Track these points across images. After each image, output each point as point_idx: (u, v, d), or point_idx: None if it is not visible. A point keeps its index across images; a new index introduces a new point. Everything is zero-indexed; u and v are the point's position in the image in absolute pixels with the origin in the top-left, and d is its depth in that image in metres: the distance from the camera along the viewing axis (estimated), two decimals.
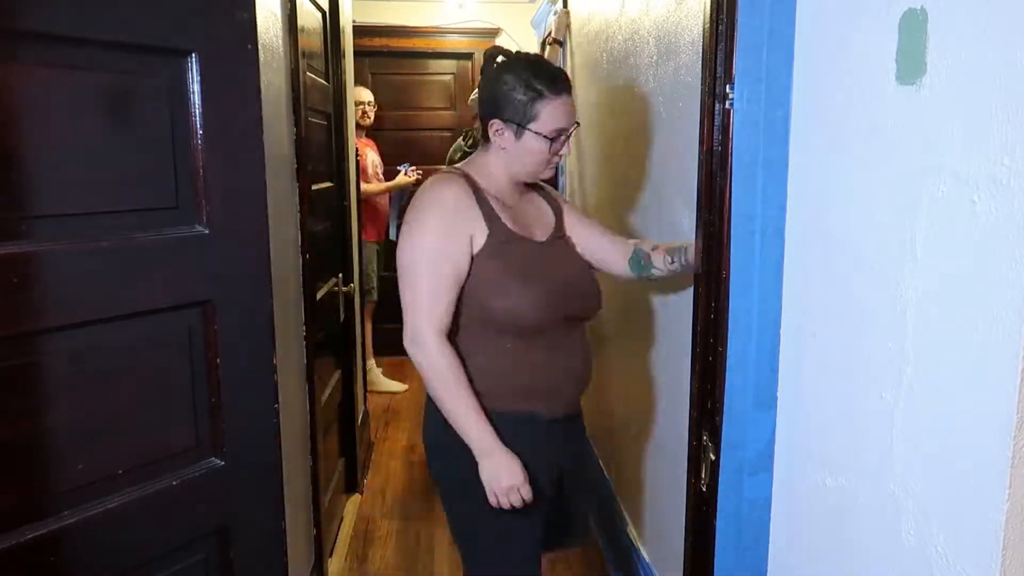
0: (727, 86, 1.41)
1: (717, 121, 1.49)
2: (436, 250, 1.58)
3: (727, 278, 1.49)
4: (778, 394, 1.44)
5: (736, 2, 1.35)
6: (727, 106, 1.42)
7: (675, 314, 2.03)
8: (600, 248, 1.82)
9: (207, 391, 1.33)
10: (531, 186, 1.81)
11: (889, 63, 1.04)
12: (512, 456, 1.62)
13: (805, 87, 1.31)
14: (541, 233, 1.74)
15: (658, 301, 2.27)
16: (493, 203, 1.66)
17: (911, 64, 0.99)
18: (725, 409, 1.53)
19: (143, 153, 1.21)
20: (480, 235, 1.62)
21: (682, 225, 1.95)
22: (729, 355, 1.51)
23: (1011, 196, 0.83)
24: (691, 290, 1.77)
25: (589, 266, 1.82)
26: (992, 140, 0.86)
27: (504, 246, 1.63)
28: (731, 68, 1.40)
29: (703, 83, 1.56)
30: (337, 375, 3.20)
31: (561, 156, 1.69)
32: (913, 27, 0.99)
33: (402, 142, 5.27)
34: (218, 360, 1.33)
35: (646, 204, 2.41)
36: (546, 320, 1.65)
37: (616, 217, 2.83)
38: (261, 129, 1.34)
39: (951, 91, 0.93)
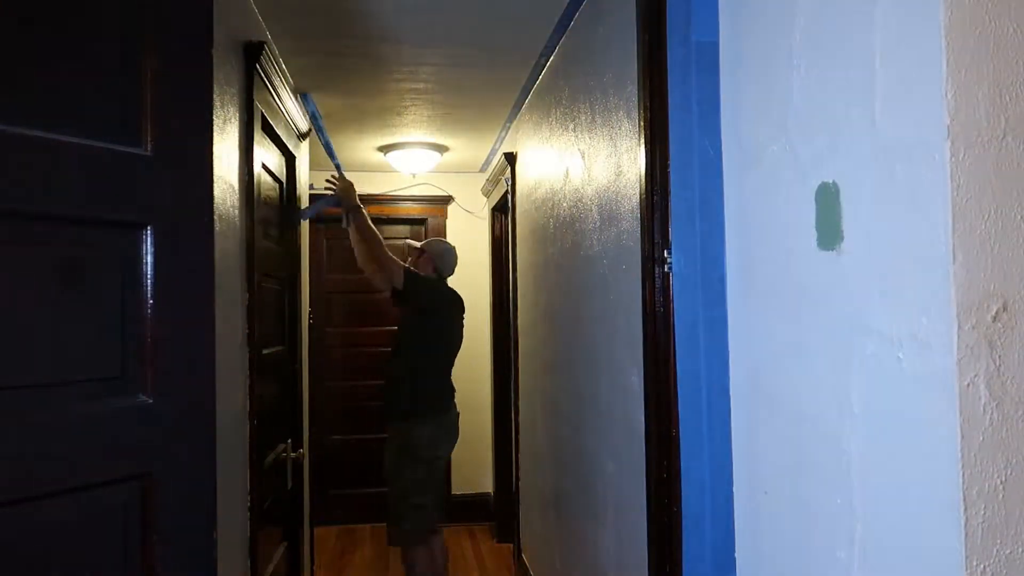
0: (665, 251, 1.49)
1: (658, 284, 1.56)
2: None
3: (677, 437, 1.50)
4: (736, 556, 1.42)
5: (668, 176, 1.45)
6: (666, 269, 1.50)
7: (628, 474, 2.01)
8: None
9: (141, 569, 1.26)
10: None
11: (810, 230, 1.12)
12: None
13: (737, 252, 1.39)
14: None
15: (612, 462, 2.25)
16: None
17: (829, 231, 1.07)
18: (684, 573, 1.50)
19: (90, 324, 1.21)
20: None
21: (631, 384, 1.97)
22: (684, 516, 1.49)
23: (932, 353, 0.88)
24: (643, 449, 1.77)
25: None
26: (908, 301, 0.91)
27: None
28: (667, 235, 1.49)
29: (643, 248, 1.64)
30: (283, 548, 3.04)
31: None
32: (827, 199, 1.07)
33: (356, 303, 5.33)
34: (155, 536, 1.26)
35: (597, 364, 2.44)
36: None
37: (569, 377, 2.85)
38: (213, 300, 1.35)
39: (867, 256, 1.00)
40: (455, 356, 3.62)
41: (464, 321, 3.69)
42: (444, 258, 3.72)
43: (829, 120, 1.08)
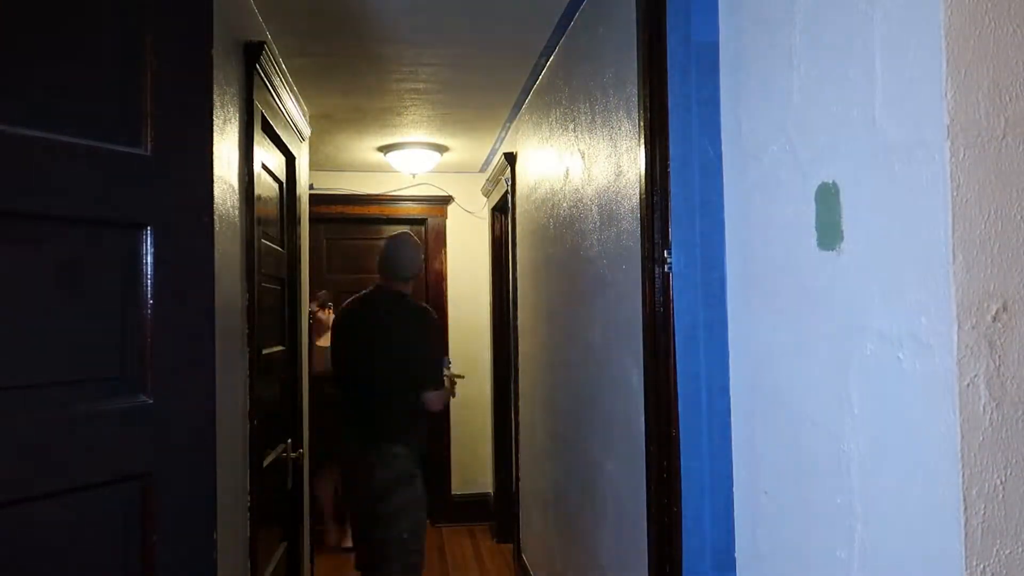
0: (665, 251, 1.49)
1: (658, 284, 1.56)
2: None
3: (677, 436, 1.50)
4: (736, 556, 1.42)
5: (668, 176, 1.45)
6: (666, 270, 1.50)
7: (628, 474, 2.01)
8: None
9: (141, 570, 1.26)
10: None
11: (810, 230, 1.12)
12: None
13: (737, 252, 1.39)
14: None
15: (612, 462, 2.25)
16: None
17: (829, 231, 1.07)
18: (684, 573, 1.50)
19: (90, 324, 1.20)
20: None
21: (631, 384, 1.97)
22: (684, 516, 1.49)
23: (932, 353, 0.88)
24: (643, 449, 1.77)
25: None
26: (908, 301, 0.91)
27: None
28: (667, 235, 1.48)
29: (642, 248, 1.64)
30: (283, 548, 3.04)
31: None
32: (828, 199, 1.07)
33: None
34: (155, 536, 1.26)
35: (597, 364, 2.44)
36: None
37: (569, 377, 2.85)
38: (213, 300, 1.35)
39: (867, 256, 1.00)
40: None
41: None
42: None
43: (829, 120, 1.08)
